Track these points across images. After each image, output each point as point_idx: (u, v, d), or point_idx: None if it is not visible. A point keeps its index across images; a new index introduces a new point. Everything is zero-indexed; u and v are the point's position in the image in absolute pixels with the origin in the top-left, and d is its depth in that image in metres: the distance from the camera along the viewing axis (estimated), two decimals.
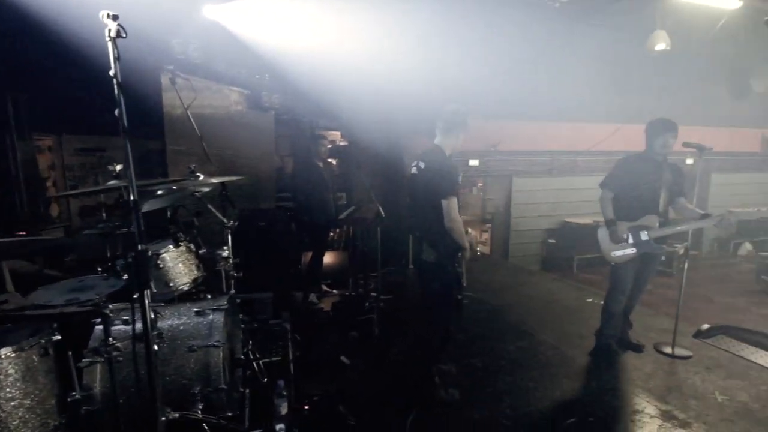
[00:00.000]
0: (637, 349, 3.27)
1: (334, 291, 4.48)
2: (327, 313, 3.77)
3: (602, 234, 3.18)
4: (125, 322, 1.84)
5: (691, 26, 7.16)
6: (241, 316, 2.38)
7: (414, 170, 2.60)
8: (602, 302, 3.28)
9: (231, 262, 2.31)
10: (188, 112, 2.40)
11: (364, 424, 2.35)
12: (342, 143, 5.00)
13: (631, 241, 3.04)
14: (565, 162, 8.29)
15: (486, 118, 7.41)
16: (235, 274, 2.35)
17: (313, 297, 4.18)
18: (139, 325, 1.32)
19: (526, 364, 3.14)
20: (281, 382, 2.04)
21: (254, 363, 2.26)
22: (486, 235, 9.42)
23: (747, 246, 9.91)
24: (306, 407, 2.35)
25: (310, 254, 4.24)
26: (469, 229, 6.33)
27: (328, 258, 4.75)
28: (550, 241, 8.72)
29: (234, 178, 2.34)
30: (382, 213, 3.94)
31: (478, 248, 6.38)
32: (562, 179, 8.45)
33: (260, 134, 4.07)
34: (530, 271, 5.81)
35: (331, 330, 3.51)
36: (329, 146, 4.98)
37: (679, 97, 8.61)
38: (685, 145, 3.02)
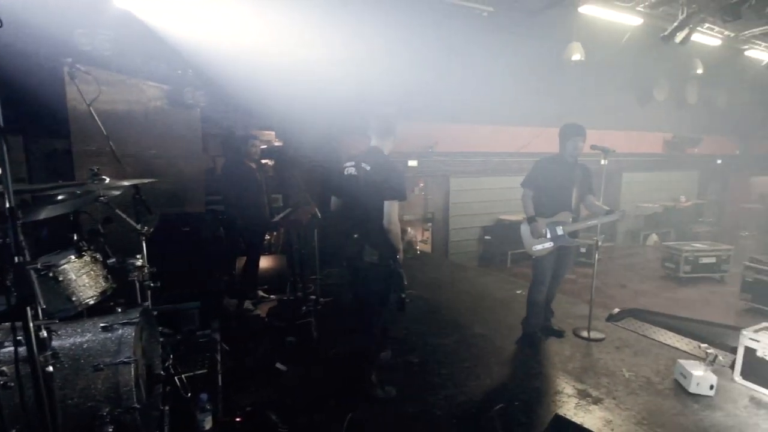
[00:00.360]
0: (558, 334, 3.54)
1: (272, 296, 4.33)
2: (263, 319, 3.64)
3: (524, 230, 3.42)
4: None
5: (602, 39, 7.92)
6: (161, 328, 2.21)
7: (353, 171, 2.58)
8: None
9: (146, 271, 2.14)
10: (91, 108, 2.18)
11: (299, 431, 2.29)
12: (277, 143, 4.86)
13: (548, 235, 3.30)
14: (497, 163, 8.75)
15: (423, 120, 7.62)
16: (152, 285, 2.17)
17: (248, 304, 4.01)
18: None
19: (460, 357, 3.26)
20: (204, 396, 1.92)
21: (176, 378, 2.11)
22: (427, 234, 9.68)
23: (653, 237, 11.13)
24: (237, 419, 2.24)
25: (244, 259, 4.07)
26: (408, 229, 6.44)
27: (265, 262, 4.58)
28: (486, 237, 9.16)
29: (147, 180, 2.16)
30: (319, 215, 3.89)
31: (417, 248, 6.51)
32: (494, 179, 8.91)
33: (185, 133, 3.82)
34: (467, 268, 6.05)
35: (267, 337, 3.39)
36: (263, 146, 4.82)
37: (594, 103, 9.47)
38: (593, 147, 3.32)
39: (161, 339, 2.12)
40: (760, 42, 8.83)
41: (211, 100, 4.42)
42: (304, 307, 3.49)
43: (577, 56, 7.79)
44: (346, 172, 2.63)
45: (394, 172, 2.51)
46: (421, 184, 13.03)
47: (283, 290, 4.26)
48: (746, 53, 9.25)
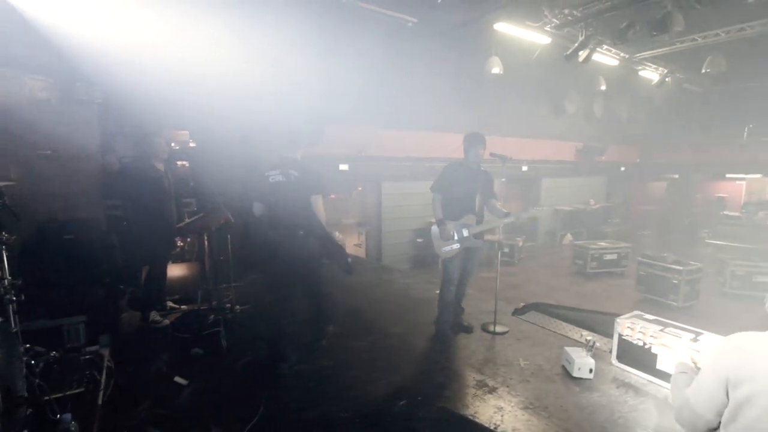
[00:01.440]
0: (467, 330, 3.73)
1: (183, 306, 4.10)
2: (168, 331, 3.42)
3: (434, 232, 3.58)
4: None
5: (518, 55, 8.55)
6: (27, 346, 2.00)
7: (280, 177, 3.08)
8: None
9: (6, 284, 1.92)
10: None
11: None
12: (191, 144, 4.62)
13: (456, 237, 3.48)
14: (426, 168, 9.04)
15: (354, 124, 7.68)
16: (13, 299, 1.95)
17: (155, 315, 3.75)
18: None
19: (373, 357, 3.32)
20: (67, 416, 1.77)
21: (43, 399, 1.91)
22: (362, 238, 9.74)
23: (568, 236, 12.16)
24: None
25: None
26: (336, 233, 6.43)
27: (176, 271, 4.33)
28: (418, 240, 9.43)
29: (4, 183, 1.95)
30: (232, 219, 3.76)
31: (349, 257, 6.52)
32: (425, 183, 9.14)
33: (77, 130, 3.49)
34: (393, 270, 6.18)
35: (170, 349, 3.20)
36: (174, 146, 4.56)
37: (513, 113, 10.19)
38: (492, 155, 3.56)
39: (25, 358, 1.92)
40: (650, 64, 10.07)
41: (115, 98, 4.11)
42: (211, 317, 3.34)
43: (496, 69, 8.33)
44: (272, 180, 3.10)
45: (315, 173, 3.17)
46: (360, 188, 13.11)
47: (195, 300, 4.05)
48: (640, 73, 10.52)
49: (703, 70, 9.34)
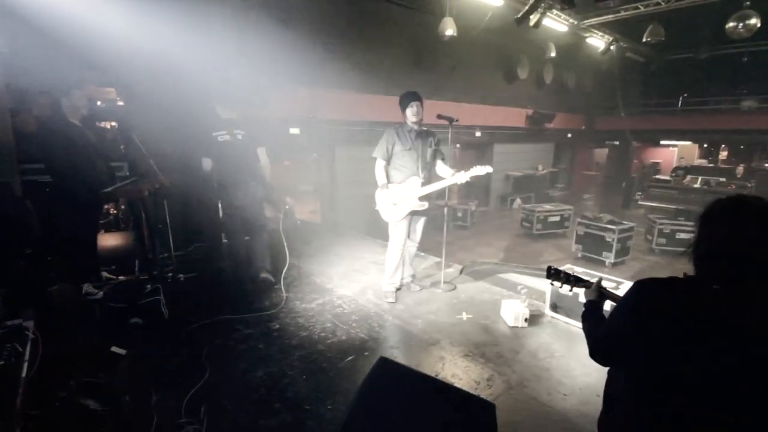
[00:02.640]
0: (418, 287, 3.84)
1: (120, 277, 3.89)
2: (102, 302, 3.25)
3: (379, 197, 3.58)
4: None
5: (470, 17, 8.47)
6: None
7: (227, 137, 3.63)
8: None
9: None
10: None
11: (126, 413, 2.14)
12: (119, 103, 4.22)
13: (400, 201, 3.48)
14: (380, 133, 8.94)
15: (304, 85, 7.36)
16: None
17: (88, 287, 3.54)
18: None
19: (322, 319, 3.34)
20: None
21: None
22: (317, 204, 9.62)
23: (518, 200, 12.70)
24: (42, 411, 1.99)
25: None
26: (287, 198, 6.28)
27: (112, 240, 4.08)
28: (374, 206, 9.46)
29: None
30: (167, 184, 3.55)
31: (298, 217, 6.41)
32: None
33: None
34: (347, 234, 6.18)
35: (105, 320, 3.05)
36: (100, 104, 4.16)
37: (466, 77, 10.19)
38: (439, 116, 3.55)
39: None
40: (596, 31, 10.35)
41: (25, 50, 3.63)
42: (148, 286, 3.20)
43: (450, 31, 8.20)
44: (220, 139, 3.61)
45: (258, 129, 3.78)
46: (314, 154, 12.77)
47: (133, 270, 3.85)
48: (587, 40, 10.80)
49: (644, 39, 9.75)
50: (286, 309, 3.52)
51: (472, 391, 2.40)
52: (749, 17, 8.24)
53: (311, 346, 2.91)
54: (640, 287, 1.20)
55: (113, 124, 4.84)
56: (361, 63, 8.06)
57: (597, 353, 1.34)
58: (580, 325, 3.11)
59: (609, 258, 7.63)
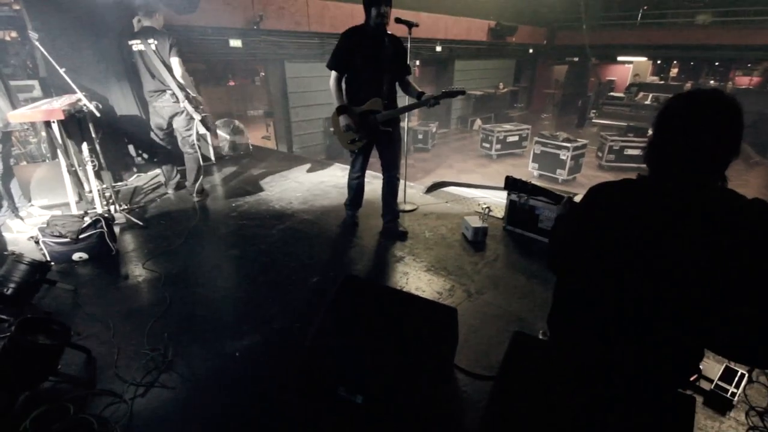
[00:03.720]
0: (402, 237, 3.35)
1: (55, 213, 3.54)
2: (34, 239, 2.97)
3: (335, 121, 3.00)
4: None
5: None
6: None
7: (142, 47, 3.44)
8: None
9: None
10: None
11: None
12: (15, 7, 3.47)
13: (361, 127, 2.94)
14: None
15: None
16: None
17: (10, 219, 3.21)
18: None
19: (285, 243, 3.29)
20: None
21: None
22: (270, 130, 9.06)
23: (478, 121, 12.63)
24: None
25: None
26: (235, 122, 5.81)
27: (39, 172, 3.64)
28: (332, 129, 9.04)
29: None
30: (91, 107, 3.11)
31: (249, 143, 6.01)
32: None
33: None
34: (305, 160, 5.92)
35: (44, 257, 2.82)
36: None
37: None
38: (397, 20, 3.17)
39: None
40: None
41: None
42: (87, 219, 2.94)
43: None
44: (135, 48, 3.47)
45: (169, 37, 3.50)
46: (262, 73, 11.72)
47: (68, 203, 3.51)
48: None
49: None
50: (246, 234, 3.41)
51: (434, 300, 2.51)
52: None
53: (276, 271, 2.87)
54: (595, 190, 1.20)
55: (13, 34, 4.05)
56: None
57: (555, 263, 1.36)
58: (533, 235, 3.29)
59: (562, 175, 7.95)
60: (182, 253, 3.11)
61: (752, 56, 13.42)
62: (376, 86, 2.91)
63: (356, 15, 8.19)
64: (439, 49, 10.38)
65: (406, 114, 3.27)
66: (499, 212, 3.73)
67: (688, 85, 12.76)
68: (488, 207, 3.44)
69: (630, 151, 8.69)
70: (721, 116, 1.00)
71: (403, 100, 3.19)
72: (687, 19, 13.23)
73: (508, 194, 3.39)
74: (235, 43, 6.49)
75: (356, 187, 3.38)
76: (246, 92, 13.84)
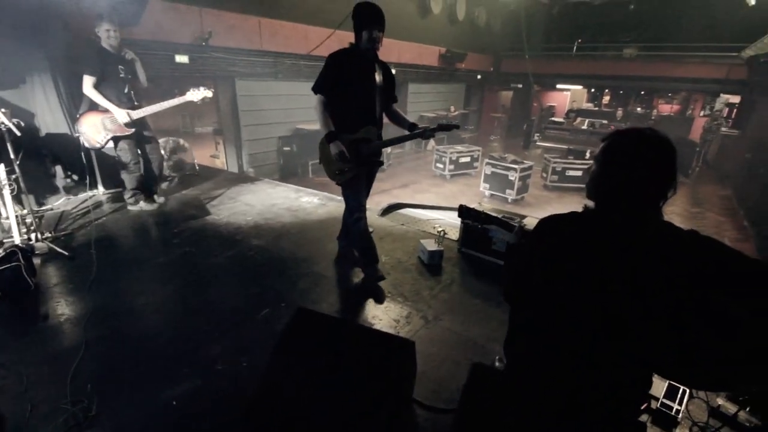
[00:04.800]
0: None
1: None
2: None
3: (326, 150, 2.63)
4: None
5: None
6: None
7: None
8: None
9: None
10: None
11: None
12: None
13: (353, 158, 2.62)
14: (289, 65, 8.17)
15: (192, 4, 6.22)
16: None
17: None
18: None
19: (233, 272, 3.09)
20: None
21: None
22: (219, 148, 8.71)
23: (432, 142, 12.96)
24: None
25: None
26: (181, 141, 5.51)
27: None
28: (285, 148, 8.87)
29: None
30: (10, 125, 2.79)
31: (196, 162, 5.72)
32: (288, 84, 8.39)
33: None
34: (256, 180, 5.71)
35: None
36: None
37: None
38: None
39: None
40: None
41: None
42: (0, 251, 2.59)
43: None
44: None
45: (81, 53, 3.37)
46: (212, 90, 11.32)
47: None
48: None
49: None
50: (189, 264, 3.17)
51: (391, 330, 2.44)
52: None
53: (222, 303, 2.67)
54: (543, 224, 1.23)
55: None
56: None
57: (509, 294, 1.37)
58: (488, 257, 3.34)
59: (511, 195, 8.29)
60: (113, 286, 2.82)
61: (672, 87, 15.00)
62: (369, 113, 2.64)
63: (310, 36, 8.22)
64: (393, 71, 10.59)
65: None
66: (454, 234, 3.77)
67: (620, 112, 13.98)
68: (443, 230, 3.46)
69: (571, 172, 9.26)
70: (662, 153, 1.06)
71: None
72: (616, 52, 14.57)
73: (460, 210, 3.44)
74: (182, 58, 6.22)
75: (364, 231, 2.84)
76: (194, 108, 13.31)
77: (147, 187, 4.21)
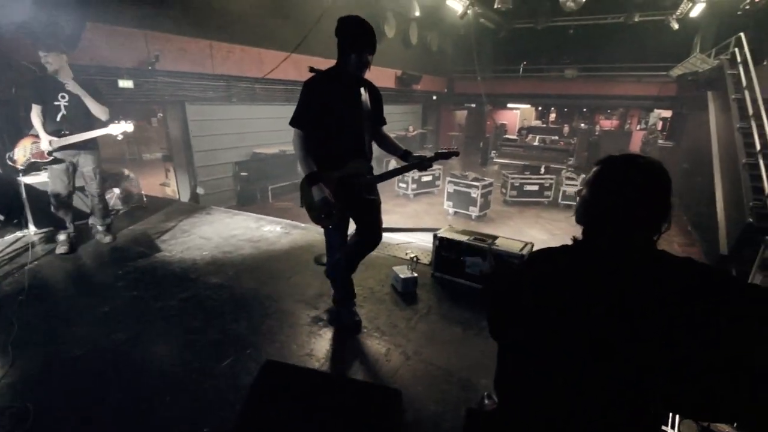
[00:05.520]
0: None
1: None
2: None
3: (306, 191, 2.29)
4: None
5: None
6: None
7: None
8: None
9: None
10: None
11: None
12: None
13: (342, 198, 2.29)
14: (243, 89, 7.92)
15: (137, 28, 5.89)
16: None
17: None
18: None
19: (187, 317, 2.77)
20: None
21: None
22: (169, 176, 8.21)
23: (392, 161, 13.02)
24: None
25: None
26: (125, 171, 5.08)
27: None
28: (243, 174, 8.51)
29: None
30: None
31: (143, 193, 5.29)
32: (243, 108, 8.11)
33: None
34: (212, 209, 5.36)
35: None
36: None
37: (332, 32, 9.61)
38: (311, 69, 3.05)
39: None
40: None
41: None
42: None
43: None
44: None
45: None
46: (160, 114, 10.81)
47: None
48: (447, 2, 11.14)
49: (495, 6, 10.50)
50: (134, 312, 2.81)
51: (370, 373, 2.24)
52: None
53: (175, 356, 2.36)
54: (536, 259, 1.18)
55: None
56: (207, 6, 6.80)
57: (496, 331, 1.28)
58: (462, 280, 3.24)
59: (475, 212, 8.38)
60: (45, 343, 2.42)
61: (610, 104, 16.18)
62: (358, 144, 2.29)
63: (265, 59, 8.04)
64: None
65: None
66: (426, 257, 3.66)
67: (566, 128, 14.79)
68: (416, 256, 3.33)
69: (529, 187, 9.57)
70: (650, 178, 1.03)
71: None
72: (558, 73, 15.55)
73: (434, 239, 3.34)
74: (126, 83, 5.82)
75: (346, 273, 2.62)
76: (141, 134, 12.57)
77: (95, 222, 4.01)
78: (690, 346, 0.95)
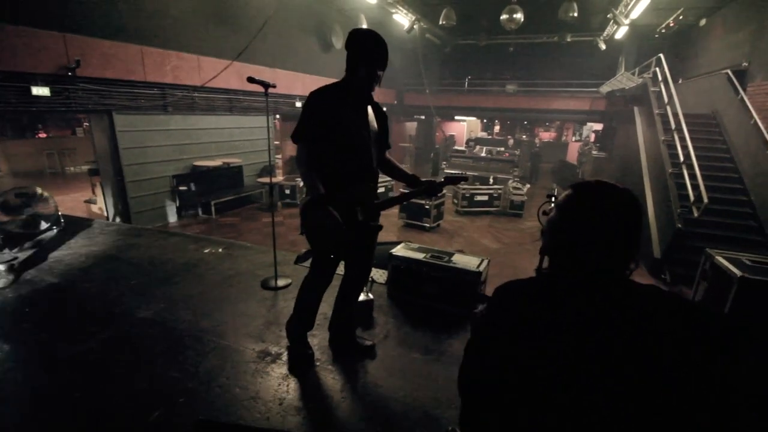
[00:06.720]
0: (369, 353, 2.55)
1: None
2: None
3: (310, 215, 2.01)
4: None
5: None
6: None
7: None
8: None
9: None
10: None
11: None
12: None
13: (349, 225, 2.05)
14: (181, 98, 7.37)
15: (52, 27, 5.26)
16: None
17: None
18: None
19: (109, 361, 2.37)
20: None
21: None
22: (97, 191, 7.42)
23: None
24: None
25: None
26: (38, 189, 4.44)
27: None
28: (182, 188, 7.88)
29: None
30: None
31: (60, 212, 4.65)
32: (181, 117, 7.54)
33: None
34: (143, 231, 4.83)
35: None
36: None
37: (280, 43, 9.33)
38: (249, 80, 2.84)
39: None
40: (401, 8, 10.85)
41: None
42: None
43: None
44: None
45: None
46: (86, 124, 9.89)
47: None
48: (394, 17, 11.26)
49: (440, 22, 10.77)
50: (44, 356, 2.36)
51: (326, 414, 2.01)
52: (516, 12, 9.97)
53: (92, 407, 1.98)
54: (503, 296, 1.06)
55: None
56: (148, 11, 6.29)
57: (465, 386, 1.10)
58: (420, 300, 3.11)
59: (429, 223, 8.38)
60: None
61: (547, 117, 17.20)
62: (366, 166, 2.09)
63: (204, 67, 7.57)
64: (299, 104, 10.31)
65: (275, 168, 2.79)
66: (381, 276, 3.49)
67: (510, 140, 15.47)
68: (371, 277, 3.15)
69: (479, 197, 9.78)
70: (634, 211, 0.97)
71: None
72: (500, 88, 16.31)
73: (390, 258, 3.19)
74: (41, 91, 5.14)
75: (314, 303, 2.41)
76: (64, 145, 11.35)
77: None
78: (677, 382, 0.88)
